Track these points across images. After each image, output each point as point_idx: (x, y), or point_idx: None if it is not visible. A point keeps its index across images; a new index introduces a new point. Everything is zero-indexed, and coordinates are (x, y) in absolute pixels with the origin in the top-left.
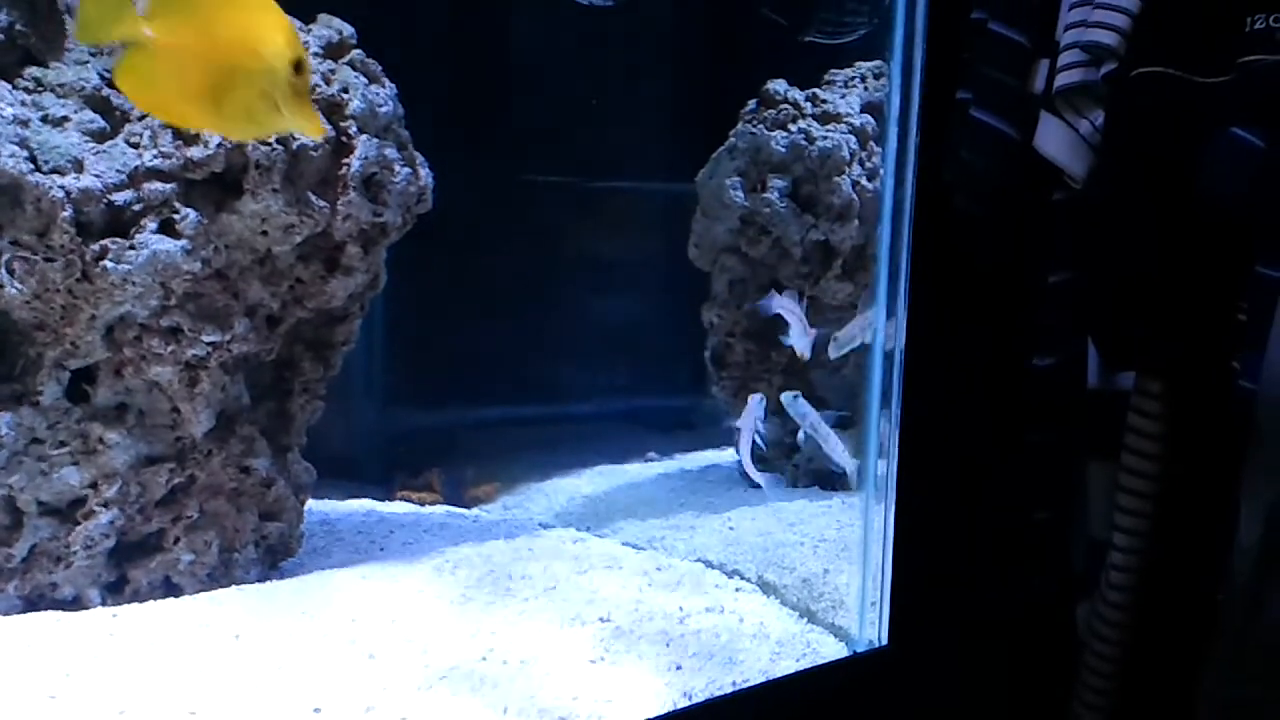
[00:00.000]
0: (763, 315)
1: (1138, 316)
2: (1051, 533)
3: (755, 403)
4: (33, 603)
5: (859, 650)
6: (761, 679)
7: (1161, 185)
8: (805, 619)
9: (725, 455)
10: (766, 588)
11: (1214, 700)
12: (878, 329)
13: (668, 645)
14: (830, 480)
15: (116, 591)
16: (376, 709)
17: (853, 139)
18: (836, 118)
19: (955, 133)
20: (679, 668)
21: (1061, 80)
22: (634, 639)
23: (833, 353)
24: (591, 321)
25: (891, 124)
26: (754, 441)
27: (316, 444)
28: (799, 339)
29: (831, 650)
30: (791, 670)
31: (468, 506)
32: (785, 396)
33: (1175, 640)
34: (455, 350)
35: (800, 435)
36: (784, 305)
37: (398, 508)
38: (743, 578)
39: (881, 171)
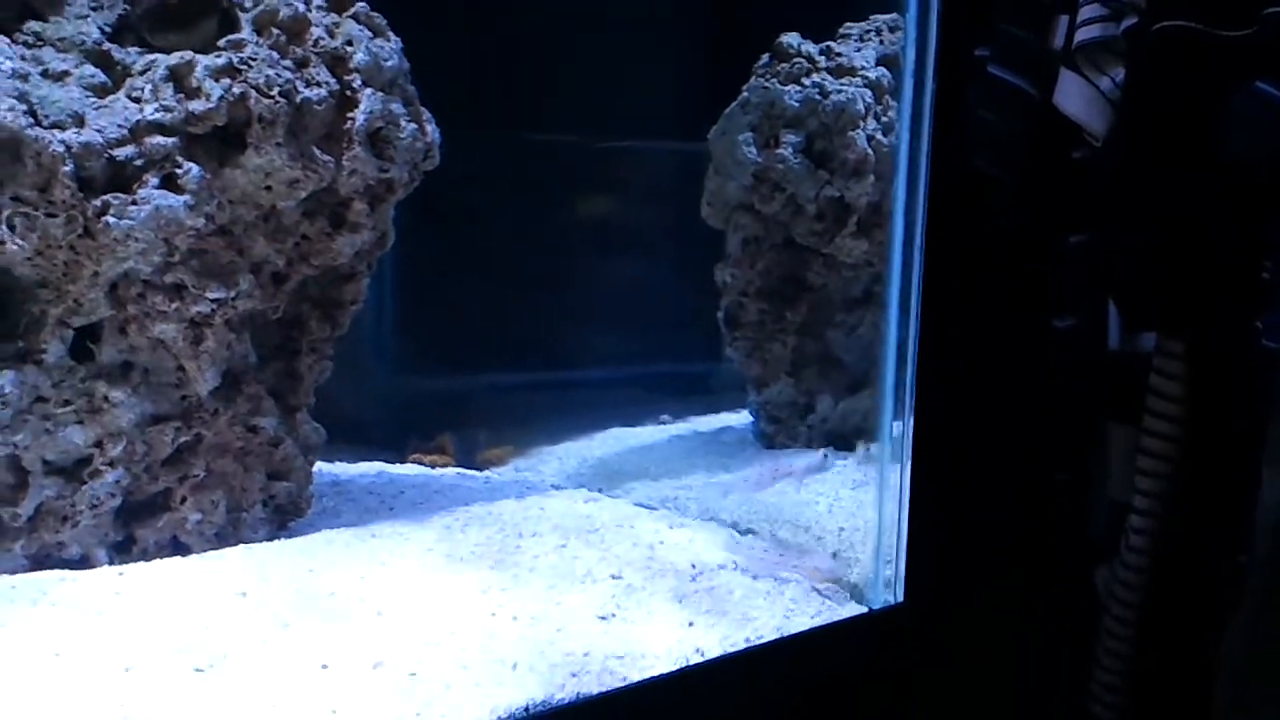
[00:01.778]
0: None
1: (1158, 276)
2: (1071, 494)
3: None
4: (39, 562)
5: (875, 608)
6: (775, 636)
7: (1183, 142)
8: (823, 582)
9: (739, 417)
10: (781, 546)
11: (1234, 663)
12: (891, 287)
13: (680, 602)
14: (845, 441)
15: (124, 551)
16: (385, 665)
17: (868, 93)
18: (851, 71)
19: (973, 90)
20: (691, 624)
21: (1082, 36)
22: (645, 596)
23: None
24: (604, 284)
25: (907, 78)
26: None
27: (328, 407)
28: None
29: (847, 608)
30: (806, 627)
31: (479, 469)
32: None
33: (1195, 603)
34: (468, 314)
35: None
36: None
37: (409, 470)
38: (757, 536)
39: (897, 126)
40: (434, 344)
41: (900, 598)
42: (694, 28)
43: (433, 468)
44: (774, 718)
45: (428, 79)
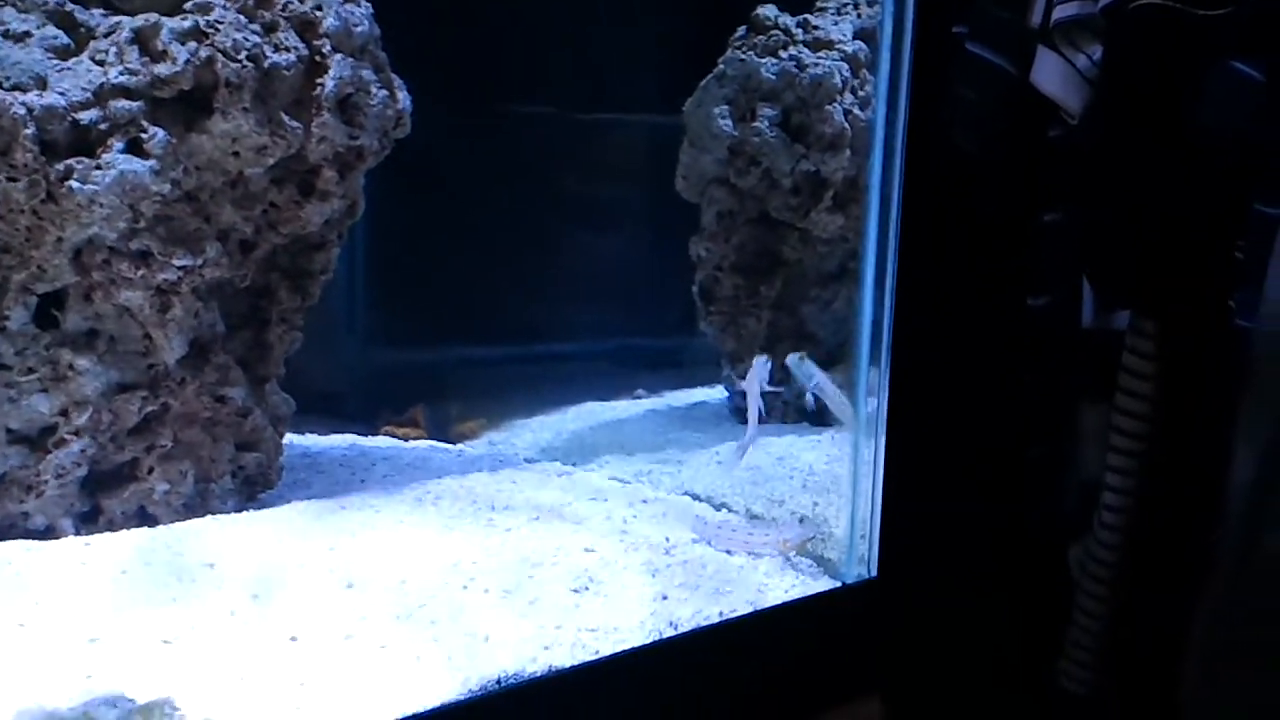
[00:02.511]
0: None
1: (1133, 255)
2: (1044, 470)
3: (760, 365)
4: (3, 532)
5: (848, 582)
6: (749, 609)
7: (1159, 121)
8: (794, 551)
9: (714, 393)
10: (754, 520)
11: (1206, 640)
12: (866, 262)
13: (653, 576)
14: (819, 417)
15: (90, 521)
16: (355, 637)
17: (845, 66)
18: (828, 44)
19: (951, 68)
20: (665, 598)
21: (1059, 13)
22: (619, 569)
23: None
24: (579, 257)
25: (884, 52)
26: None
27: (300, 379)
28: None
29: (820, 582)
30: (779, 601)
31: (453, 442)
32: (791, 358)
33: (1167, 581)
34: (441, 287)
35: (808, 398)
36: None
37: (381, 442)
38: (730, 510)
39: (874, 101)
40: (407, 316)
41: (873, 573)
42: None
43: (405, 440)
44: (747, 691)
45: (403, 48)
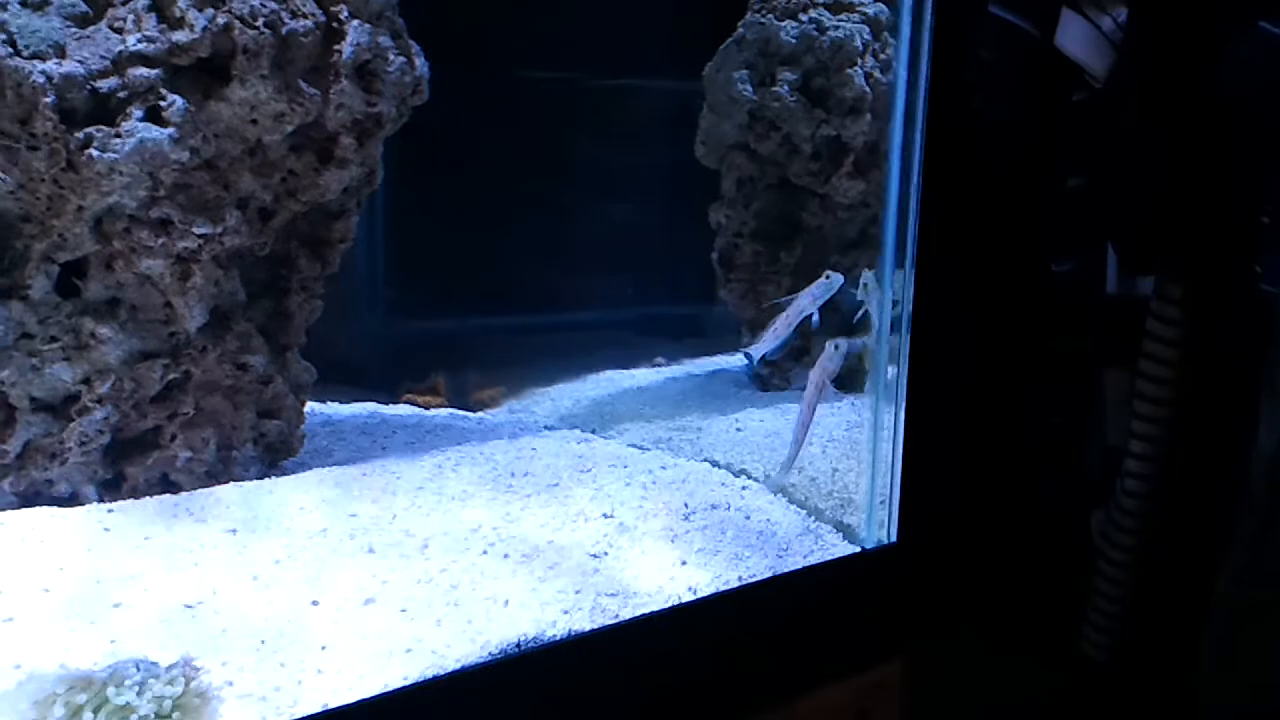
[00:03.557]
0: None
1: (1158, 220)
2: (1066, 438)
3: (830, 358)
4: (29, 499)
5: (868, 548)
6: (768, 574)
7: (1185, 83)
8: (813, 517)
9: (733, 360)
10: (774, 486)
11: (1228, 605)
12: (888, 228)
13: (672, 541)
14: (839, 382)
15: (113, 489)
16: (376, 601)
17: (866, 29)
18: (849, 7)
19: (975, 31)
20: (684, 563)
21: None
22: (638, 535)
23: (755, 352)
24: (598, 225)
25: (905, 14)
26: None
27: (321, 349)
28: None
29: (839, 548)
30: (799, 566)
31: (473, 410)
32: (867, 276)
33: (1190, 548)
34: (461, 255)
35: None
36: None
37: (401, 410)
38: (749, 477)
39: (895, 64)
40: (427, 285)
41: (893, 538)
42: None
43: (426, 408)
44: (766, 656)
45: (420, 14)
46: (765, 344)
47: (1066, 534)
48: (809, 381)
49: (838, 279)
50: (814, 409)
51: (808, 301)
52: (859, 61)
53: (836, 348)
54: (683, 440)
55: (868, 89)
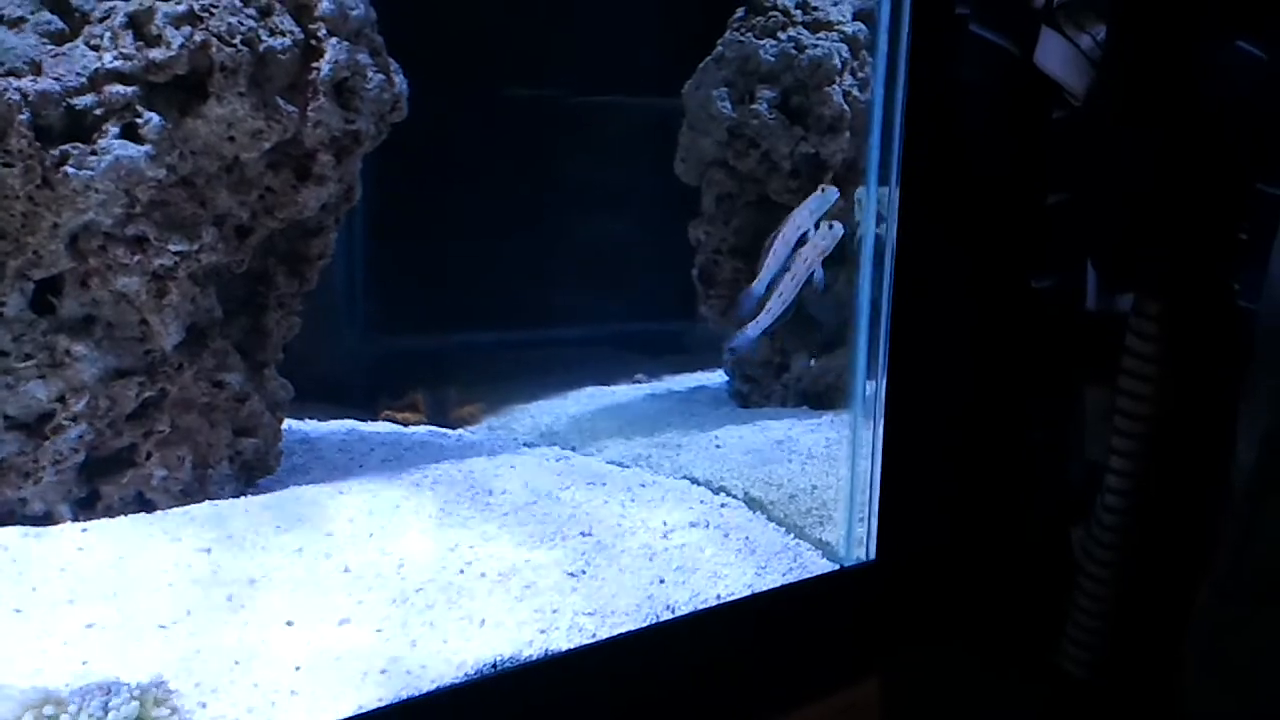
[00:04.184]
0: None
1: (1137, 237)
2: (1046, 453)
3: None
4: (1, 518)
5: (847, 565)
6: (746, 593)
7: (1162, 101)
8: (792, 534)
9: (713, 377)
10: (753, 504)
11: (1207, 621)
12: (866, 244)
13: (651, 559)
14: (819, 399)
15: (88, 507)
16: (351, 621)
17: (844, 47)
18: (828, 25)
19: (954, 49)
20: (662, 581)
21: None
22: (616, 553)
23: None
24: (578, 240)
25: (882, 32)
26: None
27: (299, 366)
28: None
29: (818, 565)
30: (777, 584)
31: (452, 427)
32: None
33: (1170, 564)
34: (440, 271)
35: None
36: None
37: (380, 427)
38: (729, 494)
39: (873, 82)
40: (406, 301)
41: (872, 556)
42: None
43: (404, 425)
44: (744, 674)
45: (400, 31)
46: (763, 321)
47: (1046, 549)
48: (799, 257)
49: (833, 193)
50: (799, 285)
51: (805, 216)
52: (837, 80)
53: (831, 227)
54: (662, 457)
55: (846, 107)
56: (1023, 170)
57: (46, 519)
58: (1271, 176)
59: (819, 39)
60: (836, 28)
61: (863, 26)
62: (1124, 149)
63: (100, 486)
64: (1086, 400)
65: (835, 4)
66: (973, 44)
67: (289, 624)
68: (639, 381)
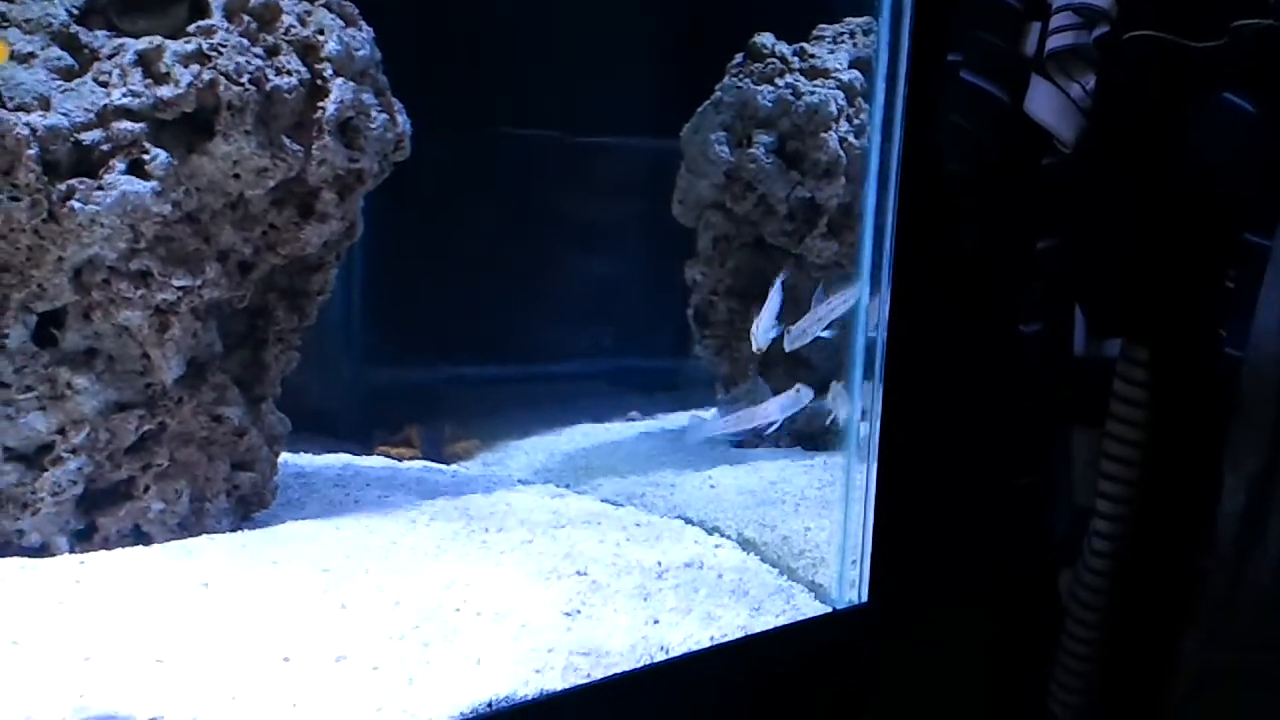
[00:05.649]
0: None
1: (1124, 283)
2: (1035, 498)
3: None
4: None
5: (839, 608)
6: (740, 634)
7: (1151, 150)
8: (785, 576)
9: (708, 415)
10: (746, 544)
11: (1194, 665)
12: (861, 288)
13: (645, 600)
14: (812, 441)
15: (85, 539)
16: (348, 658)
17: (840, 95)
18: (824, 73)
19: (946, 96)
20: (656, 622)
21: (1053, 43)
22: (610, 593)
23: (787, 345)
24: (574, 279)
25: (879, 81)
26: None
27: (295, 399)
28: (760, 330)
29: (811, 607)
30: (770, 626)
31: (446, 463)
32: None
33: (1157, 608)
34: (437, 308)
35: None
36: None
37: (375, 462)
38: (722, 534)
39: (869, 129)
40: (403, 336)
41: (864, 598)
42: (671, 25)
43: (399, 460)
44: (737, 716)
45: (404, 71)
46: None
47: (1035, 594)
48: (762, 409)
49: (807, 393)
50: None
51: (775, 411)
52: (833, 126)
53: (799, 391)
54: (656, 496)
55: (842, 153)
56: (1012, 216)
57: (44, 550)
58: (1258, 225)
59: (816, 86)
60: (833, 75)
61: (859, 74)
62: (1113, 196)
63: (97, 519)
64: (1074, 445)
65: (832, 52)
66: (964, 91)
67: (285, 660)
68: (633, 419)
